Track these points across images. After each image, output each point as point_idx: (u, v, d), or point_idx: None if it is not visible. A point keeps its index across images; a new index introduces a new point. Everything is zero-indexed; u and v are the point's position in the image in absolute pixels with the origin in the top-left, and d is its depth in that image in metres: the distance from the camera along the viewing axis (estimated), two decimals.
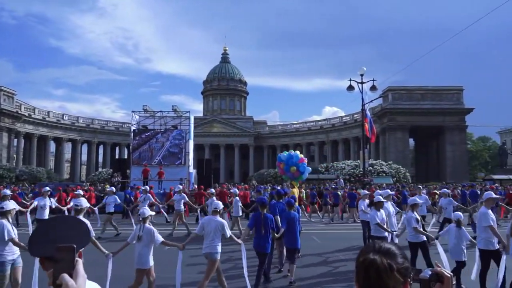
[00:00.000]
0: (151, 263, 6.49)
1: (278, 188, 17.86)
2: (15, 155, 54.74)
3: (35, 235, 1.34)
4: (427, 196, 15.96)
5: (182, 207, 15.67)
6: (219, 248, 6.79)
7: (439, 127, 51.22)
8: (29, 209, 13.57)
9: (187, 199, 16.28)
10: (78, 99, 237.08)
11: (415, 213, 8.37)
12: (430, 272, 1.56)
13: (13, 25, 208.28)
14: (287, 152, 21.04)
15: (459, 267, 7.35)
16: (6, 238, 6.13)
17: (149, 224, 6.71)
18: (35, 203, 12.75)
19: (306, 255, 10.83)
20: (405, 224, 8.70)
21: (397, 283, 1.38)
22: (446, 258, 7.39)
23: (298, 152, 19.43)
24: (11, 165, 48.86)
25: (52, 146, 63.65)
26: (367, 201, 12.41)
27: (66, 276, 1.11)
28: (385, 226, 8.82)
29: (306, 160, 18.10)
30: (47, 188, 13.55)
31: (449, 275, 1.56)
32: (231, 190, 17.85)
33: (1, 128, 50.29)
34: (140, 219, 6.75)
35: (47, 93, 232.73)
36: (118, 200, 15.96)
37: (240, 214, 14.93)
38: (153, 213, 7.52)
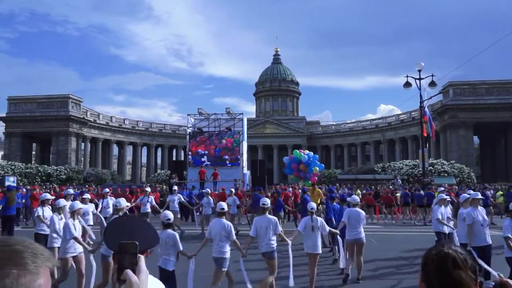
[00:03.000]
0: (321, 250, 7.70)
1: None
2: (82, 158, 58.67)
3: (110, 229, 1.42)
4: None
5: (177, 207, 15.75)
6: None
7: (507, 123, 47.67)
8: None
9: (183, 199, 16.26)
10: (137, 104, 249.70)
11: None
12: (493, 283, 1.50)
13: (76, 36, 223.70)
14: (301, 154, 20.87)
15: None
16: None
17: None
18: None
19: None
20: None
21: (470, 280, 1.36)
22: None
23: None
24: (79, 167, 52.49)
25: (115, 149, 67.50)
26: (443, 207, 9.62)
27: (129, 272, 1.17)
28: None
29: None
30: (70, 191, 14.11)
31: None
32: (231, 189, 17.95)
33: (70, 133, 54.16)
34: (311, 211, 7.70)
35: (109, 99, 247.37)
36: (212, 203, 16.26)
37: (236, 212, 16.28)
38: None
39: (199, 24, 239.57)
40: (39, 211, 9.19)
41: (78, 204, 7.70)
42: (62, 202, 8.20)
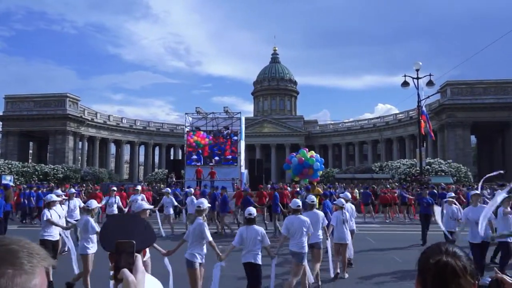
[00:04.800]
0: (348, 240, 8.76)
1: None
2: (79, 157, 58.48)
3: (106, 229, 1.41)
4: None
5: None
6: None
7: (504, 122, 47.85)
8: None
9: (145, 199, 15.87)
10: (134, 103, 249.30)
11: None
12: (489, 279, 1.49)
13: (74, 35, 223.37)
14: (313, 159, 20.60)
15: None
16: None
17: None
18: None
19: (358, 253, 10.56)
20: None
21: (469, 285, 1.36)
22: None
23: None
24: (76, 166, 52.33)
25: (113, 148, 67.30)
26: (454, 206, 9.89)
27: (126, 271, 1.16)
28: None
29: None
30: (59, 192, 14.00)
31: (510, 281, 1.48)
32: (186, 190, 17.63)
33: (67, 132, 53.99)
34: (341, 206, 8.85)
35: (106, 98, 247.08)
36: (175, 202, 16.35)
37: (193, 212, 15.57)
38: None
39: (197, 23, 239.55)
40: (47, 214, 8.23)
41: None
42: (94, 203, 7.81)
